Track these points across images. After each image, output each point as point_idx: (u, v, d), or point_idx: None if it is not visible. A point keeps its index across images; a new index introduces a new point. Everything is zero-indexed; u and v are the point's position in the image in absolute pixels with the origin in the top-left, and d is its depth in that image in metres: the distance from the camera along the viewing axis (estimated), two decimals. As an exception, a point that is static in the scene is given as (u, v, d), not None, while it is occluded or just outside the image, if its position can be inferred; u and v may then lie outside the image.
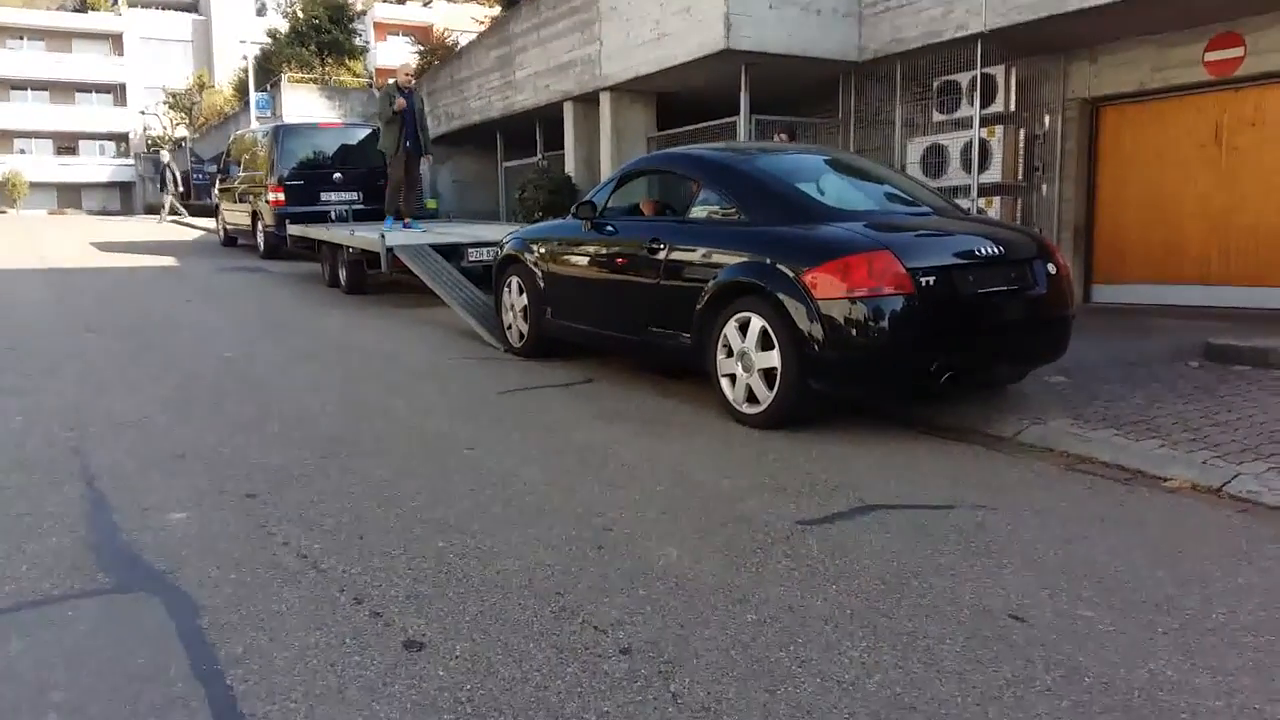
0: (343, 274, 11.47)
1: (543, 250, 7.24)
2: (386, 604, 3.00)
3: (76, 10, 62.80)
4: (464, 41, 25.86)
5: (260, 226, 15.46)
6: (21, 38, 54.90)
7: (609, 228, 6.61)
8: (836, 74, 11.65)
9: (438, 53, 32.65)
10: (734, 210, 5.86)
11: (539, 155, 17.00)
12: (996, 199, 10.43)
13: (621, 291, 6.41)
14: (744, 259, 5.45)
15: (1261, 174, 9.31)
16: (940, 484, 4.34)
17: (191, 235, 22.02)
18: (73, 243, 18.58)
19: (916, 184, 6.79)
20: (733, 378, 5.47)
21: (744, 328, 5.37)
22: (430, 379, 6.54)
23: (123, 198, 54.77)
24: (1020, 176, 10.63)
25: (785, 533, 3.68)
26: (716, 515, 3.87)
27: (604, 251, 6.62)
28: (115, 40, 55.82)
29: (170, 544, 3.48)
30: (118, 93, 55.57)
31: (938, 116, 10.88)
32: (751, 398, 5.37)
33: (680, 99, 13.07)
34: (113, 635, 2.79)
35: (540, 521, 3.76)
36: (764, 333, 5.24)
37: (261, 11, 53.92)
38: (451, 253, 9.86)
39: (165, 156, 27.52)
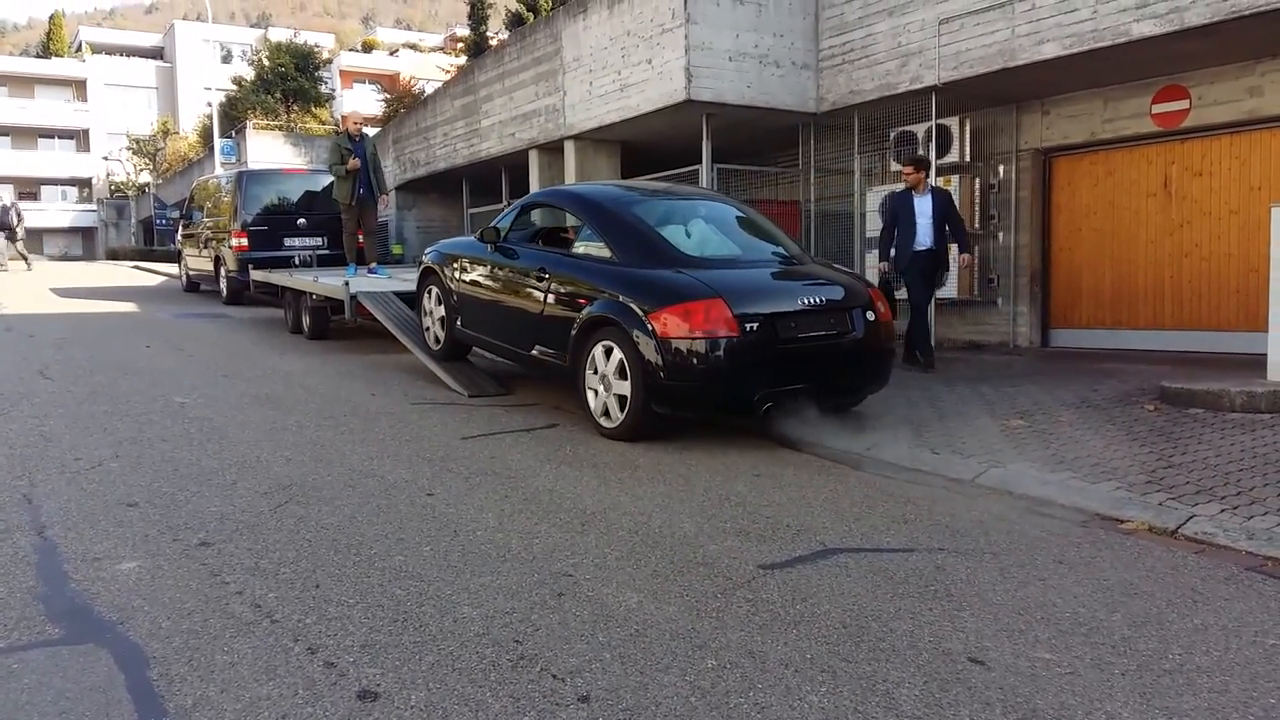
0: (306, 320, 11.39)
1: (455, 266, 8.01)
2: (341, 654, 2.95)
3: (40, 56, 62.61)
4: (430, 89, 26.08)
5: (223, 272, 15.33)
6: (-17, 83, 54.60)
7: (510, 252, 7.34)
8: (796, 124, 11.86)
9: (404, 100, 32.92)
10: (606, 249, 6.57)
11: (505, 202, 17.08)
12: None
13: (515, 311, 7.18)
14: (608, 296, 6.23)
15: (1209, 222, 9.56)
16: (900, 527, 4.36)
17: (153, 281, 21.81)
18: (32, 288, 18.32)
19: (780, 232, 7.44)
20: (596, 394, 6.30)
21: (605, 355, 6.19)
22: (392, 424, 6.49)
23: (85, 243, 54.22)
24: (976, 225, 10.83)
25: (746, 577, 3.67)
26: (678, 560, 3.85)
27: (502, 274, 7.39)
28: (79, 86, 55.63)
29: (121, 594, 3.41)
30: (81, 138, 55.26)
31: (895, 166, 11.08)
32: (609, 414, 6.20)
33: (644, 147, 13.23)
34: (60, 688, 2.72)
35: (500, 568, 3.73)
36: (620, 362, 6.05)
37: (227, 59, 54.23)
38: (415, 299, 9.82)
39: (6, 198, 26.54)
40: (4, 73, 55.64)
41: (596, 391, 6.28)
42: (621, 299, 6.08)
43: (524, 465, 5.45)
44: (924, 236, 8.91)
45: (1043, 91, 10.22)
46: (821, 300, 6.15)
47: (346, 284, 9.93)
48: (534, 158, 14.41)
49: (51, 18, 64.74)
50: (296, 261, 13.92)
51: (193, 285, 17.93)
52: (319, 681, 2.76)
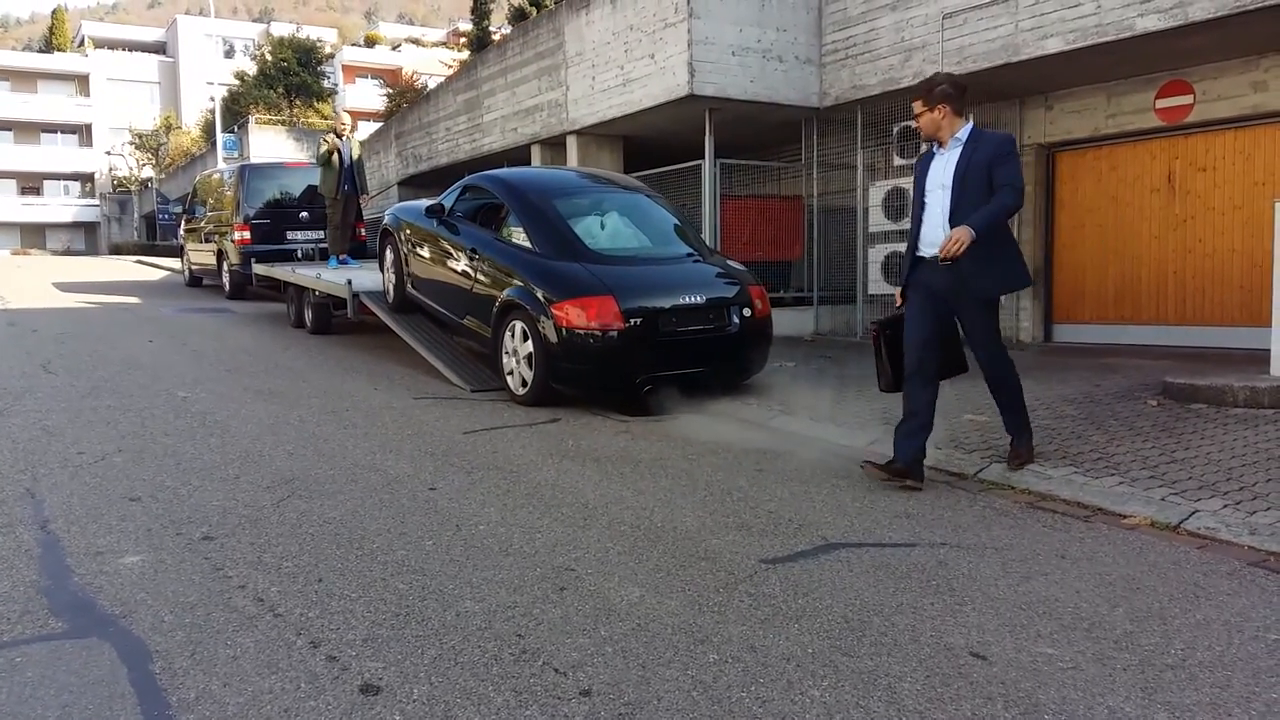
0: (308, 315, 11.39)
1: (408, 232, 8.98)
2: (343, 647, 2.95)
3: (42, 51, 62.59)
4: (432, 84, 26.05)
5: (226, 266, 15.35)
6: (-14, 78, 54.58)
7: (453, 227, 8.18)
8: (799, 119, 11.83)
9: (406, 95, 32.90)
10: (526, 238, 7.38)
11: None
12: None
13: (452, 282, 8.11)
14: (521, 283, 7.12)
15: (1213, 217, 9.54)
16: (902, 522, 4.36)
17: (156, 276, 21.81)
18: (34, 282, 18.33)
19: (690, 229, 8.32)
20: (511, 369, 7.22)
21: (513, 334, 7.13)
22: (394, 419, 6.49)
23: (87, 238, 54.24)
24: (980, 219, 10.78)
25: (748, 572, 3.67)
26: (680, 555, 3.85)
27: (443, 247, 8.26)
28: (81, 81, 55.58)
29: (124, 588, 3.41)
30: (83, 133, 55.22)
31: (898, 161, 11.06)
32: (525, 384, 7.05)
33: (646, 142, 13.21)
34: (63, 681, 2.72)
35: (502, 563, 3.73)
36: (527, 340, 6.95)
37: (230, 54, 54.19)
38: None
39: None
40: (6, 67, 55.62)
41: (513, 372, 7.20)
42: (532, 287, 6.97)
43: (526, 459, 5.45)
44: (934, 227, 4.77)
45: (1046, 86, 10.20)
46: (702, 299, 6.96)
47: (349, 282, 9.94)
48: (536, 153, 14.39)
49: (54, 12, 64.69)
50: (299, 255, 13.98)
51: (195, 280, 17.94)
52: (321, 675, 2.77)
